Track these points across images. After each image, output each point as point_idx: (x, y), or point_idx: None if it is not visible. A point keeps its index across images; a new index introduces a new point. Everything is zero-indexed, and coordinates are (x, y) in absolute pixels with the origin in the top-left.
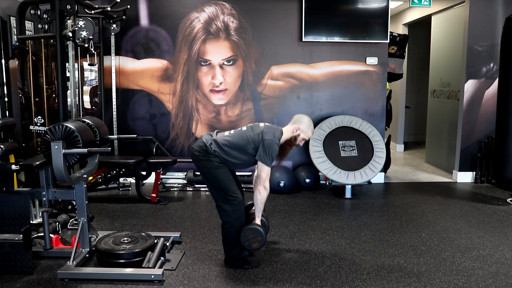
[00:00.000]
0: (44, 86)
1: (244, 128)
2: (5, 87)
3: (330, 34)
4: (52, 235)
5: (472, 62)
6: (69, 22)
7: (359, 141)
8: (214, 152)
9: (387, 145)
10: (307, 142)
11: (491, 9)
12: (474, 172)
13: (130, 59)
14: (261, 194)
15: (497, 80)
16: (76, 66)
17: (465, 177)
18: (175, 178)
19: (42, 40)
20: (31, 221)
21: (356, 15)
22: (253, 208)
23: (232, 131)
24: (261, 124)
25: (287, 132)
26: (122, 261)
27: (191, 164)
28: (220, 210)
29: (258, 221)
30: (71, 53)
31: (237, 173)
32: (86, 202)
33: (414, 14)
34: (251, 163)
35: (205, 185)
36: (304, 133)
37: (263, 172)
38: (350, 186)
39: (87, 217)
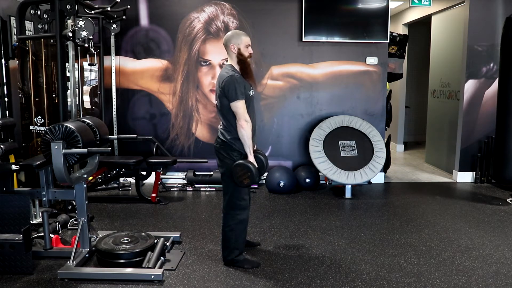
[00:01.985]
0: (44, 86)
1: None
2: (5, 87)
3: (330, 34)
4: (52, 235)
5: (472, 62)
6: (69, 22)
7: (359, 141)
8: (232, 144)
9: (387, 145)
10: (307, 142)
11: (491, 9)
12: (474, 172)
13: (130, 59)
14: (244, 127)
15: (497, 80)
16: (76, 66)
17: (465, 177)
18: (175, 178)
19: (42, 40)
20: (31, 221)
21: (356, 15)
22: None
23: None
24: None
25: (231, 58)
26: (122, 261)
27: (191, 164)
28: (224, 212)
29: (250, 157)
30: (71, 53)
31: None
32: (86, 202)
33: (414, 14)
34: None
35: (205, 185)
36: (240, 43)
37: (238, 108)
38: (350, 186)
39: (87, 217)
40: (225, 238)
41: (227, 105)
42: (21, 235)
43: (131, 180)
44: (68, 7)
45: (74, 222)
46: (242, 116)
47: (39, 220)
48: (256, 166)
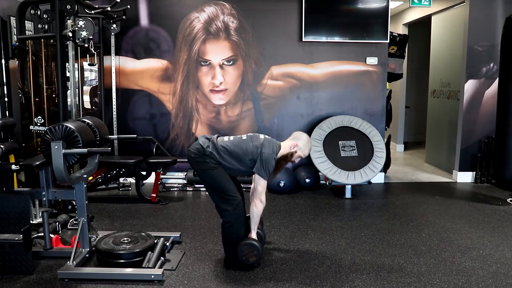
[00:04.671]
0: (44, 86)
1: (244, 137)
2: (5, 87)
3: (330, 34)
4: (52, 235)
5: (472, 62)
6: (69, 22)
7: (359, 141)
8: (210, 154)
9: (387, 145)
10: None
11: (491, 9)
12: (474, 172)
13: (130, 59)
14: (257, 207)
15: (497, 80)
16: (76, 66)
17: (465, 177)
18: (175, 178)
19: (42, 40)
20: (31, 221)
21: (356, 15)
22: (249, 220)
23: (231, 138)
24: (261, 136)
25: (285, 147)
26: (122, 261)
27: None
28: (220, 210)
29: (254, 234)
30: (71, 53)
31: None
32: (86, 202)
33: (414, 14)
34: (244, 172)
35: (204, 187)
36: (301, 150)
37: (260, 185)
38: (350, 186)
39: (87, 217)
40: (226, 235)
41: (246, 162)
42: (21, 235)
43: (131, 180)
44: (68, 7)
45: (74, 222)
46: (259, 195)
47: (39, 220)
48: (261, 243)
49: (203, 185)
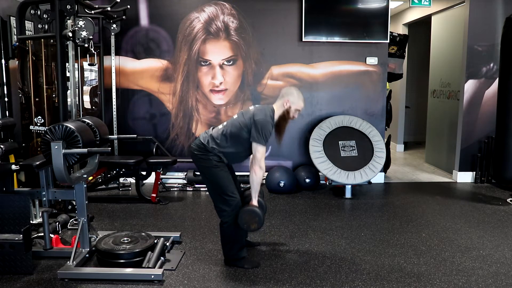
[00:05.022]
0: (44, 86)
1: (235, 116)
2: (5, 87)
3: (330, 34)
4: (52, 235)
5: (472, 62)
6: (69, 22)
7: (359, 141)
8: (212, 150)
9: (387, 145)
10: (307, 142)
11: (491, 9)
12: (474, 172)
13: (130, 59)
14: (257, 174)
15: (497, 80)
16: (76, 66)
17: (465, 177)
18: (175, 178)
19: (42, 40)
20: (31, 221)
21: (356, 15)
22: (249, 190)
23: (225, 123)
24: (251, 107)
25: (278, 108)
26: (122, 261)
27: (191, 164)
28: (218, 210)
29: (255, 202)
30: (71, 53)
31: (238, 173)
32: (86, 202)
33: (414, 14)
34: (250, 151)
35: (205, 185)
36: (295, 104)
37: (258, 152)
38: (350, 186)
39: (87, 217)
40: (224, 235)
41: (244, 137)
42: (21, 235)
43: (131, 180)
44: (68, 7)
45: (74, 222)
46: (258, 162)
47: (39, 220)
48: (262, 210)
49: (203, 185)
